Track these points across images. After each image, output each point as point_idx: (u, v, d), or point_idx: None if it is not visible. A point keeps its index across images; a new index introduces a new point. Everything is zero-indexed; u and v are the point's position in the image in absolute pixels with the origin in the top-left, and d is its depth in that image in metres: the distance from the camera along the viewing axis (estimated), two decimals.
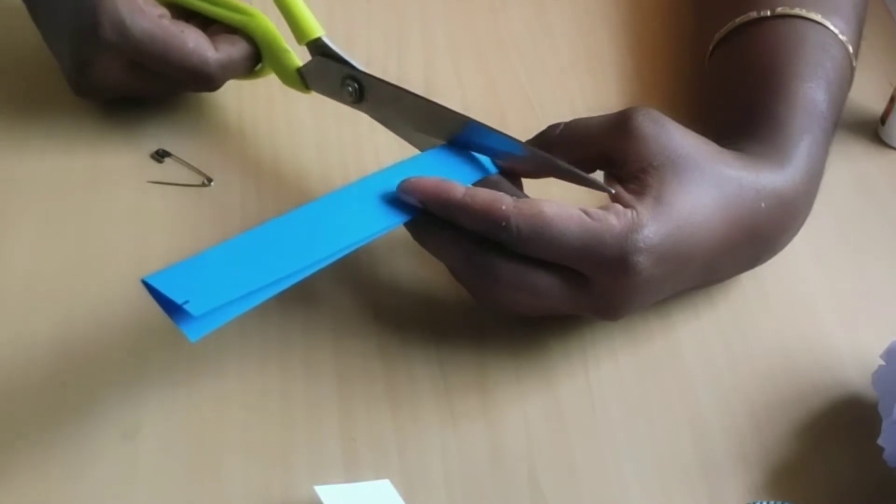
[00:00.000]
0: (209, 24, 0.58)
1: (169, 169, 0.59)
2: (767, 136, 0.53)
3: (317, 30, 0.56)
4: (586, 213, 0.47)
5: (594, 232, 0.47)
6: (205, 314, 0.43)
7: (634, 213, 0.48)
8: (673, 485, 0.49)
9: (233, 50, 0.57)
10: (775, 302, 0.56)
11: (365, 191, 0.50)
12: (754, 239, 0.51)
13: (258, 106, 0.63)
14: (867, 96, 0.65)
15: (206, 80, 0.57)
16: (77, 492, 0.47)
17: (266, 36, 0.57)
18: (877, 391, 0.49)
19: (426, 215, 0.50)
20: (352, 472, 0.48)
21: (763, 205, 0.51)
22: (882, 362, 0.49)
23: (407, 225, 0.51)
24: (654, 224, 0.47)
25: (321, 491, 0.45)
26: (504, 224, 0.47)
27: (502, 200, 0.48)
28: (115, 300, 0.53)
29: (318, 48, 0.56)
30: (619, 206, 0.48)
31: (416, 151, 0.55)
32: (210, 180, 0.58)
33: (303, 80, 0.57)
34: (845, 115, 0.61)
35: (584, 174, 0.50)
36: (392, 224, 0.50)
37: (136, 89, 0.59)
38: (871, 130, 0.64)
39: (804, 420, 0.51)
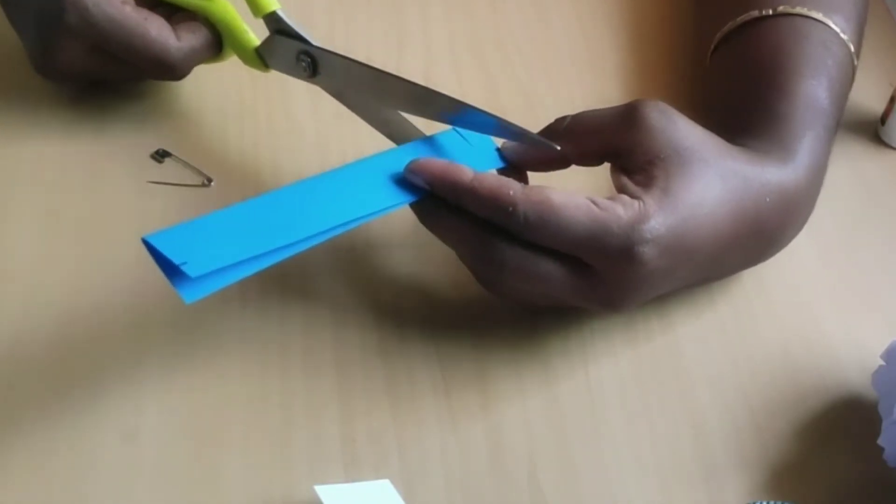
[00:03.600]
0: (174, 12, 0.59)
1: (169, 169, 0.59)
2: (770, 132, 0.53)
3: (272, 3, 0.56)
4: (594, 202, 0.48)
5: (601, 221, 0.47)
6: (202, 276, 0.43)
7: (641, 203, 0.48)
8: (673, 485, 0.49)
9: (194, 38, 0.58)
10: (775, 301, 0.56)
11: (372, 169, 0.50)
12: (759, 233, 0.51)
13: (258, 106, 0.63)
14: (867, 96, 0.65)
15: (168, 68, 0.57)
16: (77, 492, 0.47)
17: (226, 19, 0.58)
18: (877, 391, 0.49)
19: (433, 198, 0.49)
20: (352, 472, 0.48)
21: (768, 199, 0.51)
22: (882, 362, 0.49)
23: (414, 208, 0.50)
24: (660, 215, 0.47)
25: (321, 491, 0.45)
26: (511, 209, 0.47)
27: (510, 186, 0.48)
28: (115, 300, 0.53)
29: (274, 22, 0.56)
30: (626, 197, 0.48)
31: (372, 131, 0.56)
32: (210, 180, 0.58)
33: (261, 59, 0.58)
34: (845, 115, 0.61)
35: (541, 138, 0.50)
36: (397, 203, 0.49)
37: (99, 74, 0.59)
38: (871, 130, 0.64)
39: (804, 420, 0.51)
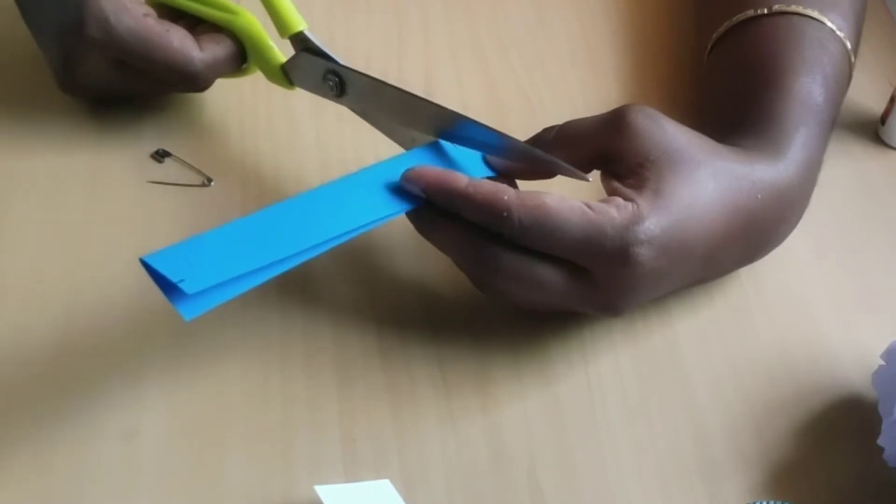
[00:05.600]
0: (196, 24, 0.58)
1: (169, 169, 0.59)
2: (762, 129, 0.54)
3: (299, 23, 0.56)
4: (588, 205, 0.48)
5: (595, 224, 0.47)
6: (200, 293, 0.44)
7: (635, 205, 0.48)
8: (673, 485, 0.49)
9: (218, 49, 0.57)
10: (775, 302, 0.56)
11: (367, 180, 0.50)
12: (752, 231, 0.52)
13: (258, 106, 0.63)
14: (867, 96, 0.65)
15: (192, 79, 0.57)
16: (77, 492, 0.47)
17: (251, 34, 0.57)
18: (877, 391, 0.49)
19: (429, 207, 0.50)
20: (352, 472, 0.48)
21: (759, 196, 0.51)
22: (882, 362, 0.49)
23: (410, 217, 0.51)
24: (654, 216, 0.48)
25: (321, 490, 0.45)
26: (505, 214, 0.47)
27: (505, 191, 0.48)
28: (115, 301, 0.53)
29: (301, 42, 0.56)
30: (619, 199, 0.48)
31: (400, 149, 0.55)
32: (210, 180, 0.58)
33: (286, 76, 0.57)
34: (845, 115, 0.61)
35: (561, 162, 0.50)
36: (394, 212, 0.50)
37: (122, 88, 0.59)
38: (871, 130, 0.64)
39: (804, 420, 0.51)
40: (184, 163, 0.59)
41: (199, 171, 0.59)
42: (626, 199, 0.48)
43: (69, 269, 0.54)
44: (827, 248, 0.58)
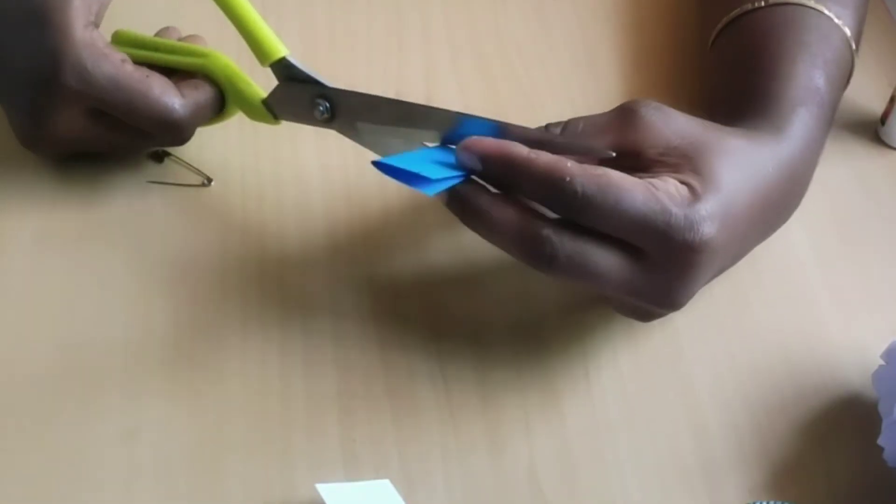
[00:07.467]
0: (169, 75, 0.56)
1: (169, 169, 0.59)
2: (762, 111, 0.54)
3: (280, 49, 0.54)
4: (650, 182, 0.47)
5: (660, 200, 0.46)
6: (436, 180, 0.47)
7: (690, 185, 0.47)
8: (673, 485, 0.49)
9: (198, 94, 0.55)
10: (775, 301, 0.56)
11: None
12: (769, 203, 0.51)
13: None
14: (867, 96, 0.65)
15: (174, 127, 0.55)
16: (77, 492, 0.47)
17: (226, 74, 0.55)
18: (877, 391, 0.49)
19: (474, 189, 0.48)
20: (352, 472, 0.48)
21: (770, 169, 0.51)
22: (882, 362, 0.49)
23: (453, 205, 0.48)
24: (709, 194, 0.47)
25: (322, 489, 0.45)
26: (568, 180, 0.45)
27: (567, 160, 0.46)
28: (114, 300, 0.53)
29: (284, 69, 0.54)
30: (672, 179, 0.47)
31: None
32: (210, 180, 0.58)
33: (270, 110, 0.55)
34: (845, 115, 0.62)
35: (583, 143, 0.49)
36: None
37: (95, 142, 0.56)
38: (871, 130, 0.64)
39: (804, 420, 0.51)
40: (184, 163, 0.59)
41: (198, 172, 0.59)
42: (678, 181, 0.48)
43: (68, 269, 0.54)
44: (827, 247, 0.58)
